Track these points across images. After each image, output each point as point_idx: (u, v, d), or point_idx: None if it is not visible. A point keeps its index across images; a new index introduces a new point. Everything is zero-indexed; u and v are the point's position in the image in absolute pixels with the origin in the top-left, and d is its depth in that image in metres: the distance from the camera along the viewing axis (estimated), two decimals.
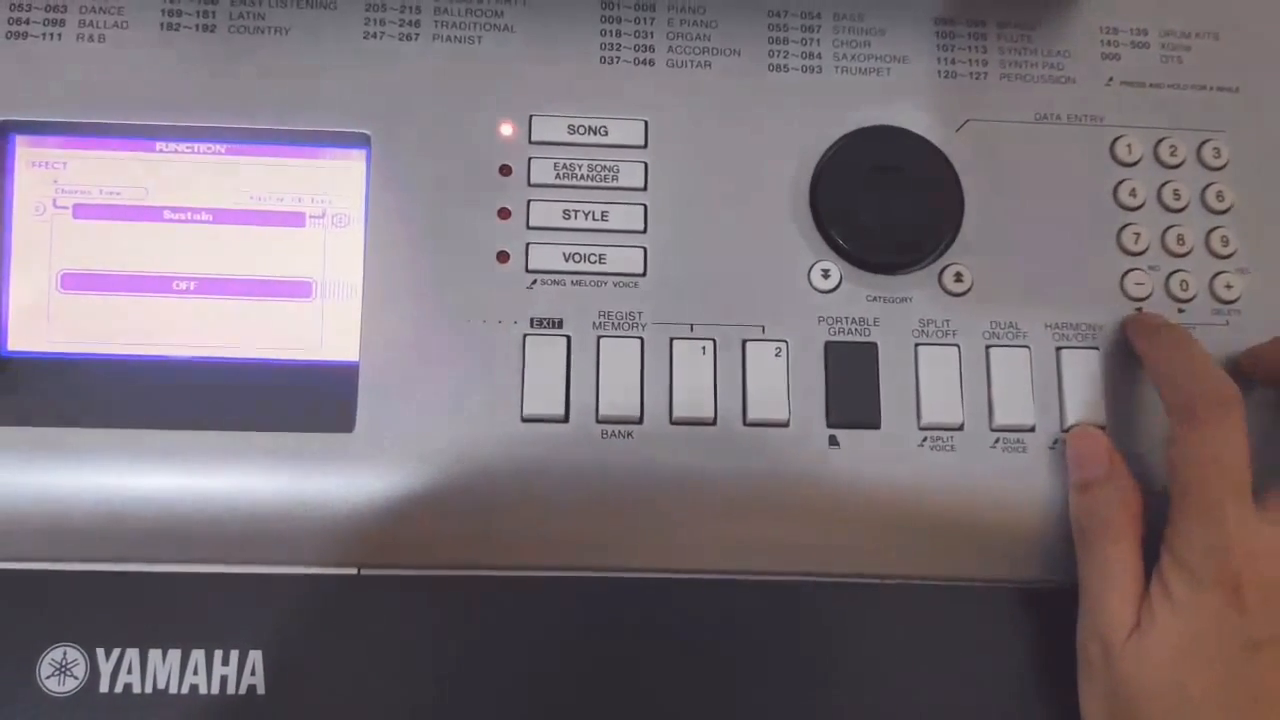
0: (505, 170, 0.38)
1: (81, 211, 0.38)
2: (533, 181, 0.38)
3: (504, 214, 0.38)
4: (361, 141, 0.38)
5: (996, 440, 0.37)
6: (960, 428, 0.37)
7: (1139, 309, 0.38)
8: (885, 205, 0.38)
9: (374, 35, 0.39)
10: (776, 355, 0.37)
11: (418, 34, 0.39)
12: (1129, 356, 0.38)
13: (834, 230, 0.38)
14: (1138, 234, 0.39)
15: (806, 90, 0.39)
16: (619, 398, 0.36)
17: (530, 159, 0.38)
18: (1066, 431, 0.37)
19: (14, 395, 0.36)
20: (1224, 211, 0.40)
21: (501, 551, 0.37)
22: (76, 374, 0.37)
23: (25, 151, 0.38)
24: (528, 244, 0.38)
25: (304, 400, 0.37)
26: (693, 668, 0.37)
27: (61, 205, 0.38)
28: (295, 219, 0.38)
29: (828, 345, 0.37)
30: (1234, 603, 0.32)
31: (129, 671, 0.36)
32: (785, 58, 0.40)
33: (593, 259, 0.38)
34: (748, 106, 0.39)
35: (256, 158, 0.38)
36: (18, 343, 0.37)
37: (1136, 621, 0.34)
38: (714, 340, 0.37)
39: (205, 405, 0.37)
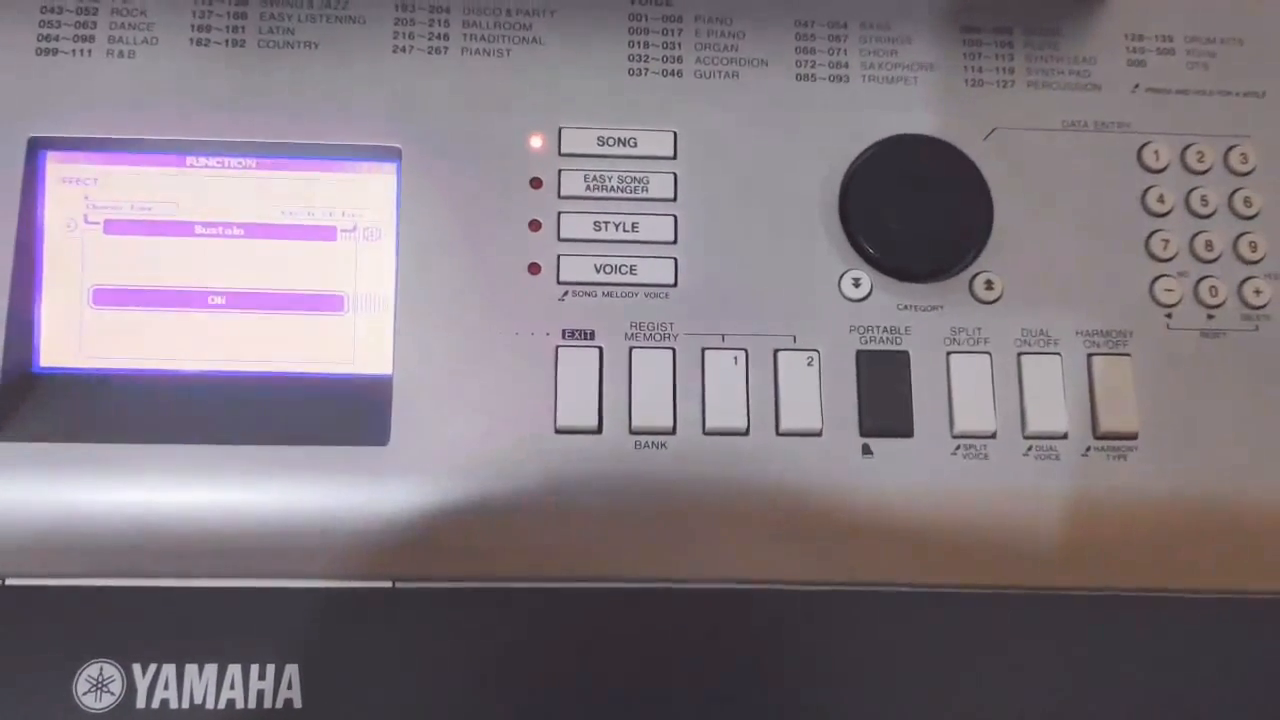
0: (536, 183, 0.38)
1: (113, 227, 0.38)
2: (563, 193, 0.38)
3: (535, 226, 0.38)
4: (392, 155, 0.38)
5: (1029, 448, 0.37)
6: (993, 435, 0.37)
7: (1169, 315, 0.38)
8: (914, 214, 0.38)
9: (403, 49, 0.39)
10: (808, 365, 0.37)
11: (447, 47, 0.39)
12: (1160, 363, 0.38)
13: (864, 239, 0.38)
14: (1166, 240, 0.39)
15: (834, 99, 0.40)
16: (652, 408, 0.36)
17: (560, 171, 0.38)
18: (1099, 438, 0.37)
19: (47, 411, 0.36)
20: (1252, 217, 0.40)
21: (535, 564, 0.37)
22: (109, 389, 0.37)
23: (56, 168, 0.38)
24: (559, 255, 0.38)
25: (338, 414, 0.37)
26: (728, 678, 0.37)
27: (93, 221, 0.38)
28: (327, 233, 0.38)
29: (859, 354, 0.37)
30: None
31: (166, 687, 0.36)
32: (813, 67, 0.40)
33: (624, 270, 0.38)
34: (776, 116, 0.39)
35: (287, 172, 0.38)
36: (51, 359, 0.37)
37: None
38: (745, 350, 0.37)
39: (238, 420, 0.37)
